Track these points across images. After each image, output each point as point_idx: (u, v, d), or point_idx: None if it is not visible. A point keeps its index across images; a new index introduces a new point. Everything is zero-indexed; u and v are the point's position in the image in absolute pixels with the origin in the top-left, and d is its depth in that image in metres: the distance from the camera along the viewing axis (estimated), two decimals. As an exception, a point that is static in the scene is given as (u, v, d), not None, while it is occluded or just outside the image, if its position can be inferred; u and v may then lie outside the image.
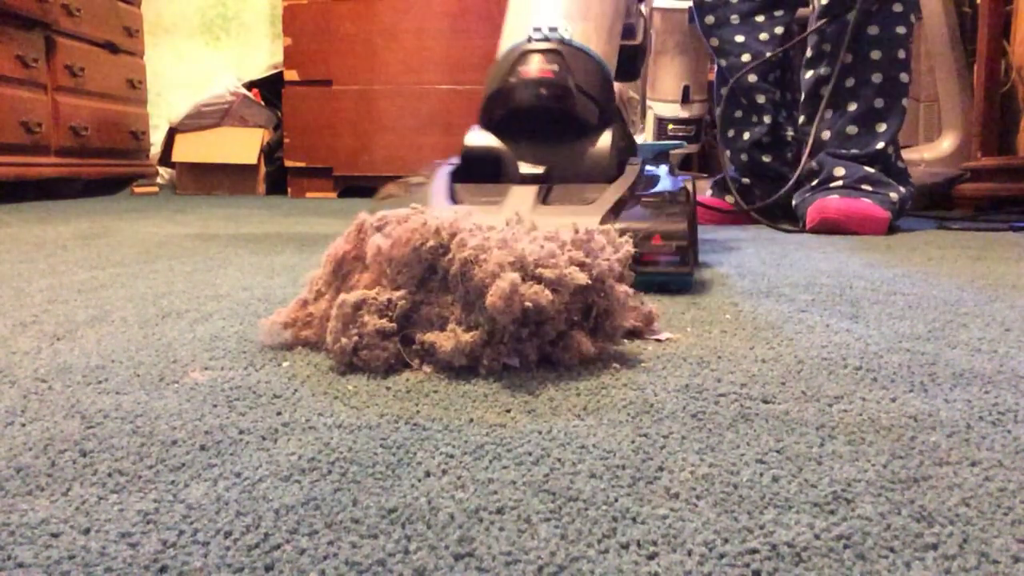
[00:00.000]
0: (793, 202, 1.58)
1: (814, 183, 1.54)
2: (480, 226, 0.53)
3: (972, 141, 2.18)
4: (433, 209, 0.53)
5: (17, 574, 0.26)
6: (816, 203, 1.47)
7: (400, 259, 0.50)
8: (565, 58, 0.89)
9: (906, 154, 2.34)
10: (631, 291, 0.55)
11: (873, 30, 1.45)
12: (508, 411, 0.42)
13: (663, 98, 2.33)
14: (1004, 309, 0.71)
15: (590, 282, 0.50)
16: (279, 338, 0.56)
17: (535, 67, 0.88)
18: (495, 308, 0.46)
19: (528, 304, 0.47)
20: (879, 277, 0.90)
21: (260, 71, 3.29)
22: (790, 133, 1.72)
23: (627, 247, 0.56)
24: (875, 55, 1.46)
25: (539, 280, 0.49)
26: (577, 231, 0.54)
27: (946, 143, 2.31)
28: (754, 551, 0.27)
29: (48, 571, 0.26)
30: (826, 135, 1.52)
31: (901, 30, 1.46)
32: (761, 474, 0.34)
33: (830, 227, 1.44)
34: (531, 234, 0.53)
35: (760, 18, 1.63)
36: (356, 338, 0.49)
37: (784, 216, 1.60)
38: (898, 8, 1.45)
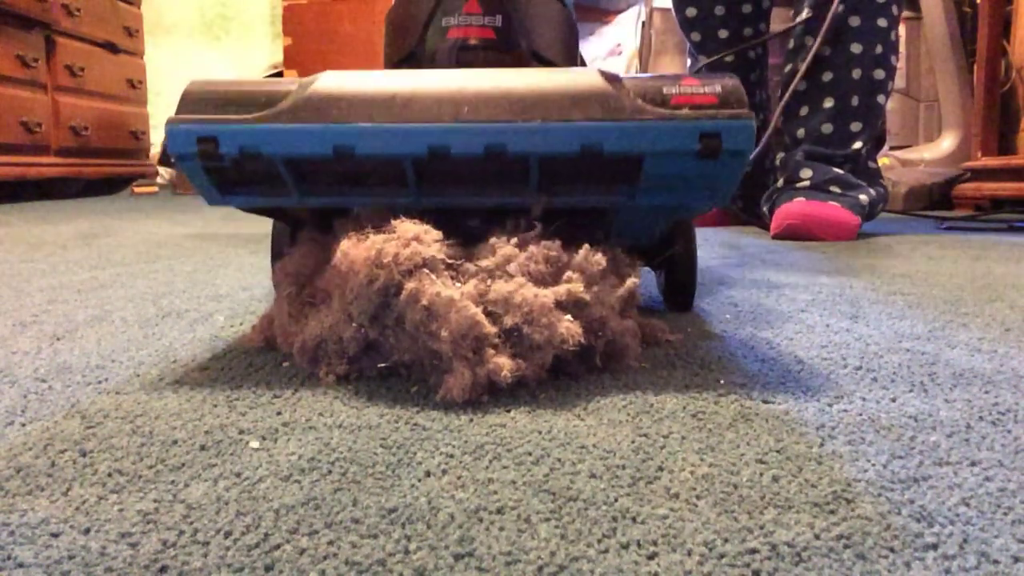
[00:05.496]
0: (762, 205, 1.51)
1: (780, 183, 1.46)
2: (451, 255, 0.47)
3: (972, 141, 2.19)
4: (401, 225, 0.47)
5: (17, 574, 0.26)
6: (780, 208, 1.39)
7: (353, 288, 0.46)
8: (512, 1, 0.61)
9: (906, 154, 2.35)
10: (635, 325, 0.51)
11: (855, 21, 1.37)
12: (508, 411, 0.42)
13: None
14: (1004, 309, 0.71)
15: (583, 341, 0.45)
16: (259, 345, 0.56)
17: (466, 22, 0.60)
18: (455, 398, 0.43)
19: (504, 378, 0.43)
20: (879, 277, 0.90)
21: (260, 71, 3.29)
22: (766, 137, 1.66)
23: (633, 280, 0.51)
24: (855, 48, 1.38)
25: (521, 339, 0.44)
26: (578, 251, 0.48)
27: (946, 143, 2.31)
28: (754, 551, 0.27)
29: (48, 571, 0.26)
30: (800, 133, 1.43)
31: (882, 23, 1.39)
32: (761, 474, 0.34)
33: (795, 233, 1.34)
34: (523, 256, 0.48)
35: (747, 8, 1.54)
36: (327, 368, 0.48)
37: (770, 215, 1.53)
38: None
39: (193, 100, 0.49)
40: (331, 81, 0.49)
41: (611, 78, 0.49)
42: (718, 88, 0.48)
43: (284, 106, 0.48)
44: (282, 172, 0.50)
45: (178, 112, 0.49)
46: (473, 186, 0.51)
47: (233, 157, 0.49)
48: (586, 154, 0.48)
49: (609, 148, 0.47)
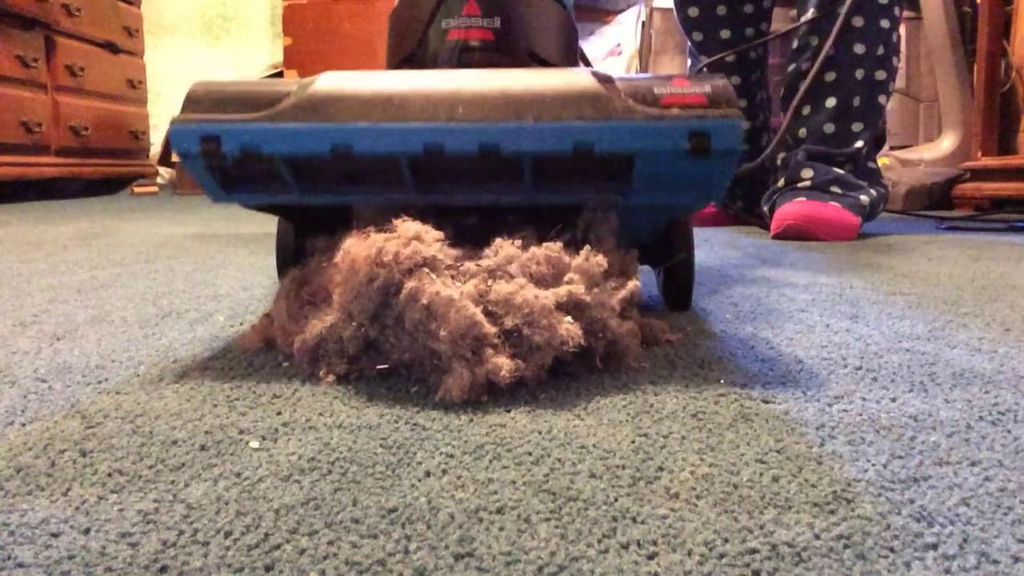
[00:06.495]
0: (762, 205, 1.51)
1: (780, 183, 1.46)
2: (452, 255, 0.47)
3: (972, 141, 2.19)
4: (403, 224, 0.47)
5: (17, 574, 0.26)
6: (780, 208, 1.39)
7: (354, 287, 0.46)
8: (511, 2, 0.63)
9: (906, 154, 2.35)
10: (635, 326, 0.51)
11: (858, 22, 1.38)
12: (508, 411, 0.42)
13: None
14: (1004, 309, 0.71)
15: (583, 343, 0.45)
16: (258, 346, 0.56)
17: (466, 24, 0.62)
18: (454, 398, 0.43)
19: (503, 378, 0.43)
20: (879, 277, 0.90)
21: (260, 71, 3.29)
22: (766, 138, 1.64)
23: (634, 282, 0.51)
24: (859, 49, 1.39)
25: (521, 340, 0.44)
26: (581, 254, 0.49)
27: (946, 143, 2.31)
28: (754, 551, 0.27)
29: (48, 571, 0.26)
30: (802, 132, 1.44)
31: (885, 24, 1.40)
32: (761, 474, 0.34)
33: (795, 233, 1.34)
34: (524, 256, 0.48)
35: (749, 8, 1.54)
36: (327, 369, 0.48)
37: (770, 215, 1.51)
38: (883, 0, 1.39)
39: (197, 100, 0.51)
40: (330, 81, 0.50)
41: (603, 79, 0.50)
42: (707, 88, 0.49)
43: (284, 106, 0.49)
44: (282, 171, 0.51)
45: (183, 112, 0.51)
46: (468, 184, 0.52)
47: (235, 156, 0.50)
48: (578, 153, 0.48)
49: (600, 148, 0.48)
